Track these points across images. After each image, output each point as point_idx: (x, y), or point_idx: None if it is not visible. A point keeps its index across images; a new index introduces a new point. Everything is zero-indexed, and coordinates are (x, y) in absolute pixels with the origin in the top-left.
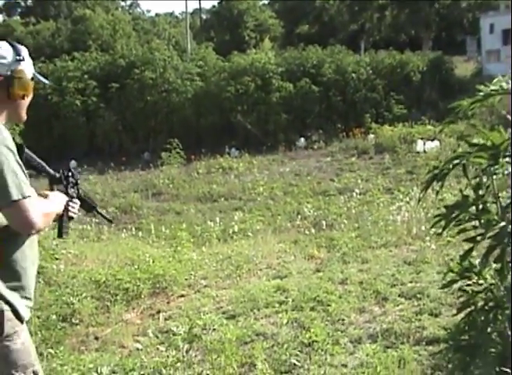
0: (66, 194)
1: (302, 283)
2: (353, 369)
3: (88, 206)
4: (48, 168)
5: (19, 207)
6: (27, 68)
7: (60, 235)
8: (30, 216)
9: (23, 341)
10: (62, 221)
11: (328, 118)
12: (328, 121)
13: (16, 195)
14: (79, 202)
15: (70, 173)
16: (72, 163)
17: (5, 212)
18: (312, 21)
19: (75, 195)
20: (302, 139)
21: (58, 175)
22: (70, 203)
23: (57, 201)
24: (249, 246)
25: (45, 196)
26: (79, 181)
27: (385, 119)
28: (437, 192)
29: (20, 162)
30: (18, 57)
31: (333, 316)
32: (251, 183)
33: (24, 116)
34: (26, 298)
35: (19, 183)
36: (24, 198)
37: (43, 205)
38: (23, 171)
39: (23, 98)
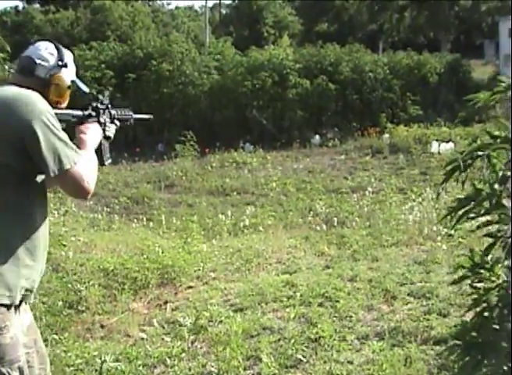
0: (98, 122)
1: (311, 279)
2: (358, 366)
3: (125, 122)
4: (74, 112)
5: (72, 175)
6: (67, 75)
7: (102, 163)
8: (84, 181)
9: (11, 335)
10: (101, 149)
11: (343, 116)
12: (344, 119)
13: (68, 164)
14: (114, 125)
15: (99, 102)
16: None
17: (59, 181)
18: (331, 19)
19: (108, 120)
20: (317, 136)
21: (87, 112)
22: (106, 128)
23: (92, 136)
24: (259, 240)
25: (80, 136)
26: (109, 105)
27: (400, 119)
28: (463, 183)
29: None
30: (60, 62)
31: (341, 312)
32: (264, 179)
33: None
34: (34, 280)
35: (70, 150)
36: (76, 163)
37: (88, 161)
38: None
39: (56, 104)
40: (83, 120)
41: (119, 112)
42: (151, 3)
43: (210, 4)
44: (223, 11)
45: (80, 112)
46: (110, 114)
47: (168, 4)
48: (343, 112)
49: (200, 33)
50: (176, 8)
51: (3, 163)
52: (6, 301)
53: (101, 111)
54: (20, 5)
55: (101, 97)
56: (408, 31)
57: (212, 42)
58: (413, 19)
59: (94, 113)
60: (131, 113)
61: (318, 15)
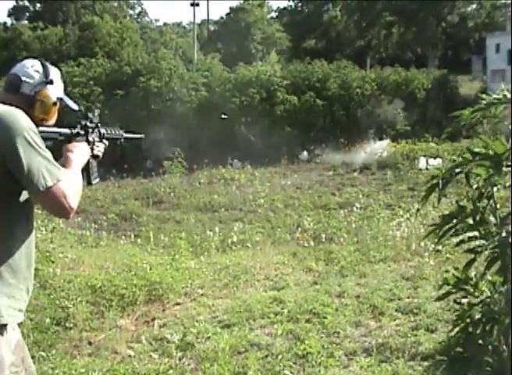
0: (87, 141)
1: (299, 295)
2: None
3: (115, 140)
4: (61, 130)
5: (54, 193)
6: (53, 92)
7: (90, 182)
8: (66, 200)
9: None
10: (88, 168)
11: (331, 132)
12: (332, 135)
13: (50, 181)
14: (103, 144)
15: (88, 120)
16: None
17: (41, 198)
18: (319, 36)
19: (97, 139)
20: (305, 152)
21: (75, 130)
22: (94, 147)
23: (79, 155)
24: (247, 257)
25: (67, 154)
26: (99, 124)
27: (388, 135)
28: (439, 199)
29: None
30: (45, 79)
31: (329, 328)
32: (252, 195)
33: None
34: (19, 299)
35: (53, 167)
36: (58, 181)
37: (72, 180)
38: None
39: (42, 121)
40: (71, 138)
41: (109, 131)
42: (139, 20)
43: (198, 20)
44: (211, 27)
45: (67, 131)
46: (99, 133)
47: (157, 20)
48: (331, 128)
49: (189, 50)
50: (165, 24)
51: None
52: None
53: (90, 129)
54: (9, 21)
55: (90, 115)
56: (396, 47)
57: (200, 59)
58: (400, 36)
59: (82, 132)
60: (121, 132)
61: (306, 31)
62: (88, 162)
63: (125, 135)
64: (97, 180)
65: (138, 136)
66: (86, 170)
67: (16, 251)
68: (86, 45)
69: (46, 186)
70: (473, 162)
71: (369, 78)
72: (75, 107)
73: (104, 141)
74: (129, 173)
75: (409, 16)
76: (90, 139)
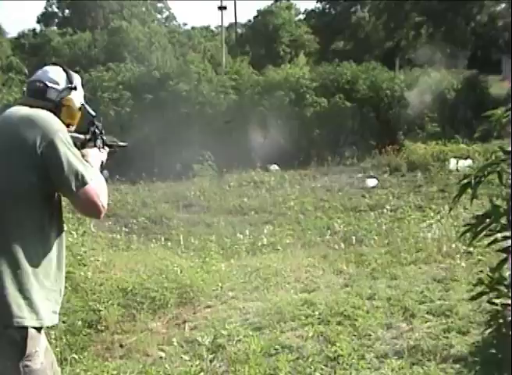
0: (94, 146)
1: (330, 298)
2: None
3: (111, 148)
4: (79, 135)
5: (89, 192)
6: (77, 97)
7: None
8: (99, 199)
9: (42, 360)
10: None
11: (361, 134)
12: (361, 137)
13: (85, 181)
14: (107, 150)
15: (95, 127)
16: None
17: (76, 198)
18: (348, 37)
19: (101, 145)
20: (334, 154)
21: (88, 136)
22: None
23: (97, 160)
24: (278, 259)
25: (85, 159)
26: (103, 131)
27: (418, 136)
28: (472, 199)
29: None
30: (70, 85)
31: (360, 330)
32: (282, 198)
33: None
34: (53, 301)
35: (85, 167)
36: (91, 180)
37: (101, 180)
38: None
39: (67, 126)
40: (84, 144)
41: (109, 139)
42: (167, 24)
43: (226, 24)
44: (239, 30)
45: (82, 136)
46: (103, 140)
47: (185, 24)
48: (361, 130)
49: (217, 53)
50: (193, 28)
51: (28, 182)
52: (36, 324)
53: (98, 136)
54: (38, 27)
55: (96, 122)
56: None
57: (229, 62)
58: (429, 36)
59: (92, 138)
60: (115, 140)
61: (334, 33)
62: None
63: (119, 143)
64: None
65: (123, 144)
66: None
67: (49, 253)
68: (114, 50)
69: (81, 185)
70: (505, 161)
71: (398, 79)
72: (93, 113)
73: (105, 147)
74: (158, 176)
75: (437, 17)
76: (97, 145)
